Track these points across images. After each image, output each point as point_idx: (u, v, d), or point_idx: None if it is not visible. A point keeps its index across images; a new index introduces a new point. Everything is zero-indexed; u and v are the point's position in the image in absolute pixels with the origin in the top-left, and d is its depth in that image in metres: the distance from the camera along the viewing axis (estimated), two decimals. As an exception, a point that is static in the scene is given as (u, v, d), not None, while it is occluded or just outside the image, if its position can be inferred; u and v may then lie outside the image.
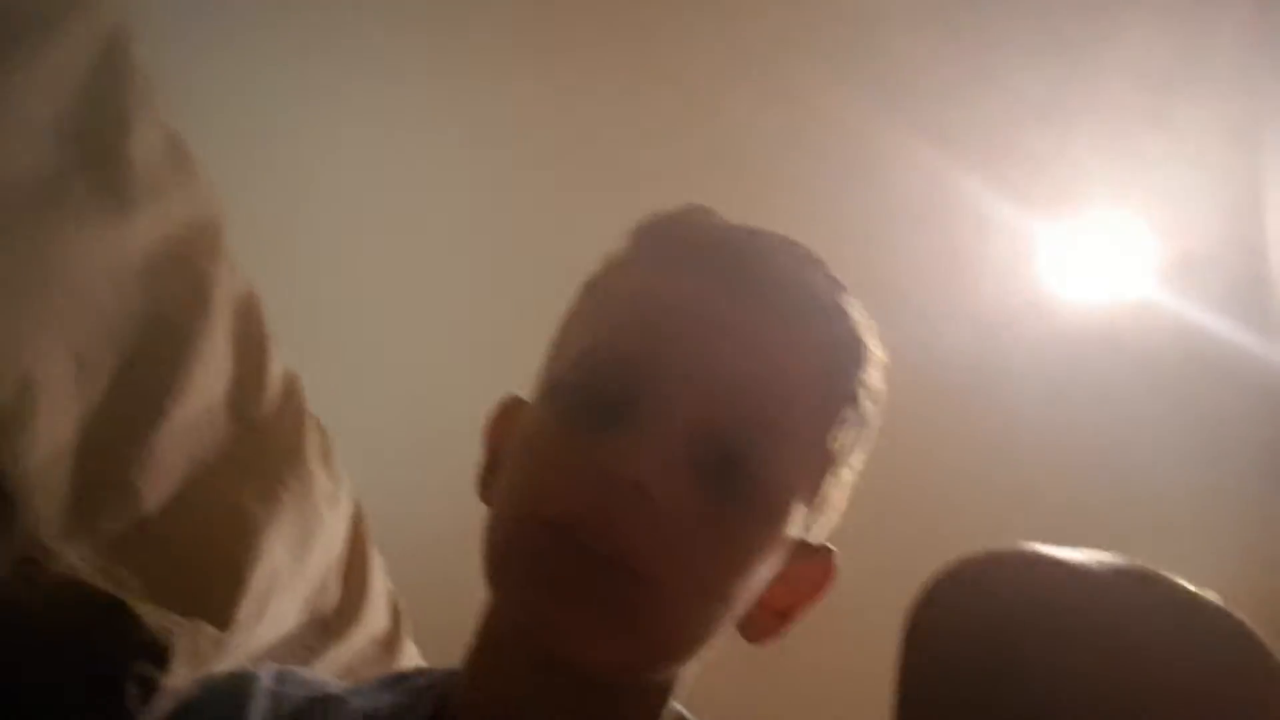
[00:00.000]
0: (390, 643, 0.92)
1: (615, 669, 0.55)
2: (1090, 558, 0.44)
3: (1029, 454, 1.57)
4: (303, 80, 1.39)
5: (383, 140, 1.45)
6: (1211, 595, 0.43)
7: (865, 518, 0.69)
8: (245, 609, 0.69)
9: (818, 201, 1.46)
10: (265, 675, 0.67)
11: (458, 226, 1.44)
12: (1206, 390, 1.59)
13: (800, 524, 0.60)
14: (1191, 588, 0.43)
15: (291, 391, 0.82)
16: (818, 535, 0.64)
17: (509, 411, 0.67)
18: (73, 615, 0.58)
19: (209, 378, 0.73)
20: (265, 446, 0.78)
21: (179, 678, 0.61)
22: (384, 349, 1.39)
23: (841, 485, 0.64)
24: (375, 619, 0.90)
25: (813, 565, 0.63)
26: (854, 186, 1.52)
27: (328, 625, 0.83)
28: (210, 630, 0.64)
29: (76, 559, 0.60)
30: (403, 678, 0.71)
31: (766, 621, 0.62)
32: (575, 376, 0.60)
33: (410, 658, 0.96)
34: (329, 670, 0.81)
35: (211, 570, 0.69)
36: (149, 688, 0.59)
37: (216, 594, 0.68)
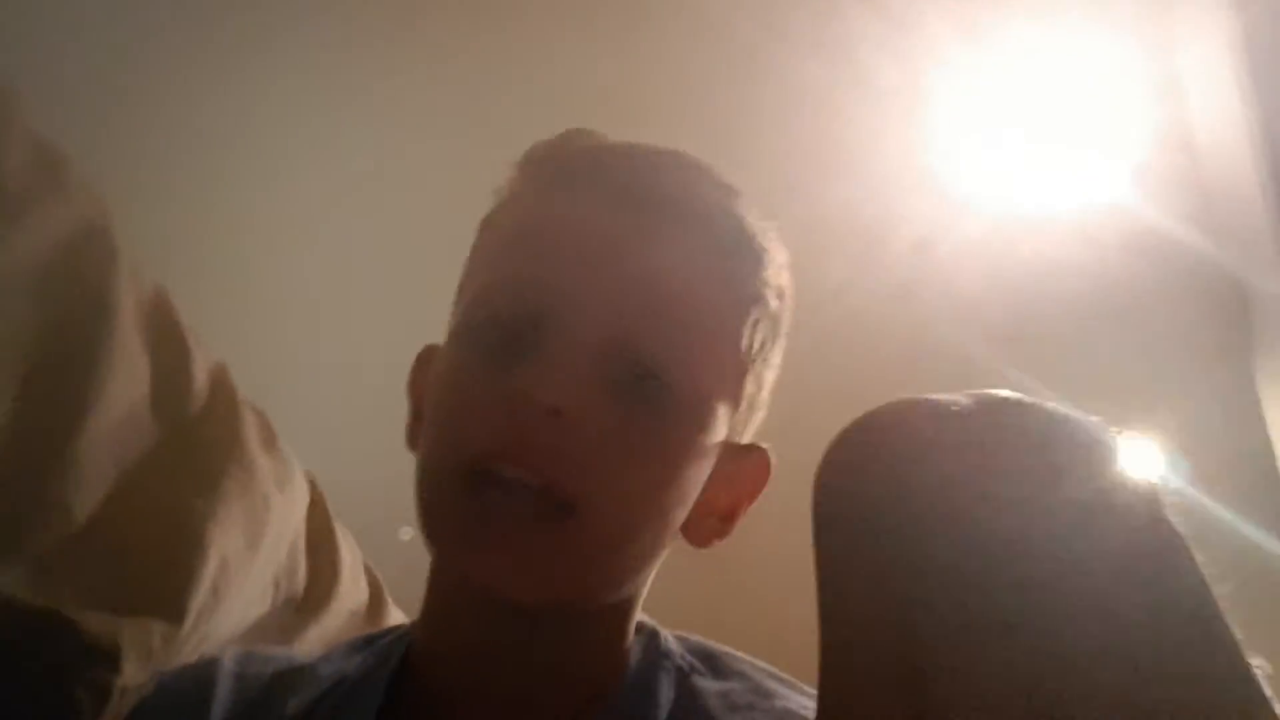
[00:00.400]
0: (373, 614, 0.93)
1: (560, 602, 0.56)
2: (967, 395, 0.45)
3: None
4: (215, 64, 1.37)
5: (300, 119, 1.43)
6: (1074, 411, 0.44)
7: (800, 408, 0.69)
8: (198, 601, 0.69)
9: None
10: (228, 659, 0.68)
11: (380, 192, 1.43)
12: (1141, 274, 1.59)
13: (726, 425, 0.61)
14: (1050, 406, 0.44)
15: (220, 382, 0.82)
16: (747, 435, 0.65)
17: (427, 361, 0.67)
18: (9, 634, 0.58)
19: (124, 382, 0.73)
20: (199, 441, 0.77)
21: (133, 677, 0.62)
22: (321, 329, 1.38)
23: (763, 384, 0.65)
24: (353, 592, 0.90)
25: (747, 464, 0.64)
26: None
27: (301, 604, 0.83)
28: (160, 626, 0.65)
29: (7, 582, 0.60)
30: (371, 639, 0.72)
31: (709, 524, 0.63)
32: (479, 314, 0.60)
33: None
34: (313, 648, 0.81)
35: (156, 570, 0.69)
36: (101, 691, 0.60)
37: (164, 591, 0.68)
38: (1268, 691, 0.39)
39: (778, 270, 0.64)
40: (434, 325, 0.72)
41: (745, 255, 0.62)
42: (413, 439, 0.64)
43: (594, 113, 0.68)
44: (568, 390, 0.54)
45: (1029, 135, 1.59)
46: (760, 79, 1.54)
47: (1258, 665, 0.40)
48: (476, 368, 0.58)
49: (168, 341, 0.79)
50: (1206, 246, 1.56)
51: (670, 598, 0.68)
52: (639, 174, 0.61)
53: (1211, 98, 1.48)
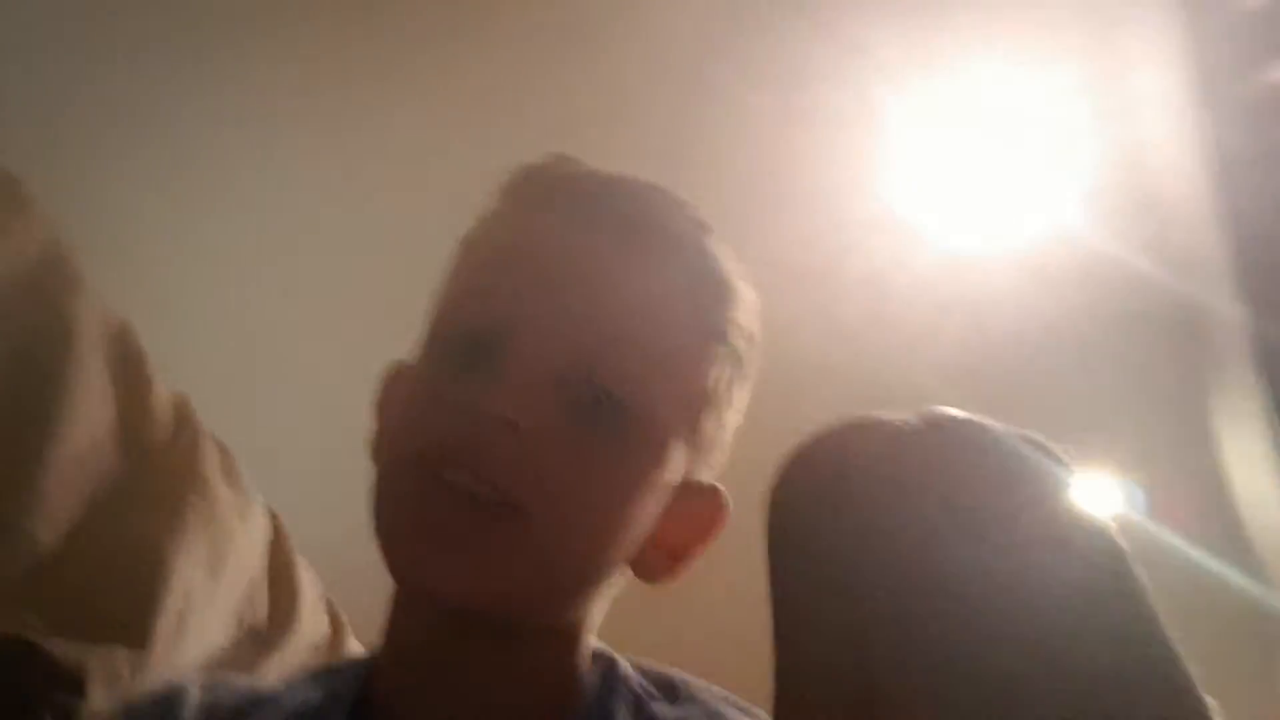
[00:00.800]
0: (334, 646, 0.93)
1: (502, 609, 0.55)
2: (916, 414, 0.46)
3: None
4: (176, 88, 1.37)
5: (264, 147, 1.43)
6: (1021, 431, 0.45)
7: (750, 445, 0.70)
8: (162, 629, 0.69)
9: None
10: (194, 686, 0.67)
11: (342, 224, 1.43)
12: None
13: (682, 462, 0.61)
14: (997, 426, 0.45)
15: (182, 414, 0.82)
16: (704, 475, 0.65)
17: (393, 377, 0.68)
18: (-26, 662, 0.58)
19: (89, 412, 0.73)
20: (161, 472, 0.78)
21: (99, 703, 0.61)
22: (283, 363, 1.38)
23: (724, 425, 0.64)
24: (313, 624, 0.90)
25: (701, 504, 0.63)
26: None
27: (261, 636, 0.83)
28: (125, 652, 0.65)
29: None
30: (333, 668, 0.71)
31: (660, 562, 0.62)
32: (446, 326, 0.60)
33: (359, 657, 0.97)
34: (274, 678, 0.81)
35: (121, 598, 0.69)
36: (67, 717, 0.59)
37: (130, 620, 0.68)
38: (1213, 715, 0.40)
39: (747, 312, 0.64)
40: (398, 356, 0.73)
41: (715, 292, 0.62)
42: (375, 452, 0.64)
43: (538, 141, 0.69)
44: (525, 405, 0.54)
45: (981, 164, 1.61)
46: (707, 107, 1.55)
47: (1210, 705, 0.40)
48: (438, 377, 0.58)
49: (130, 372, 0.79)
50: (1160, 274, 1.59)
51: (629, 624, 0.68)
52: (618, 201, 0.61)
53: (1163, 122, 1.52)
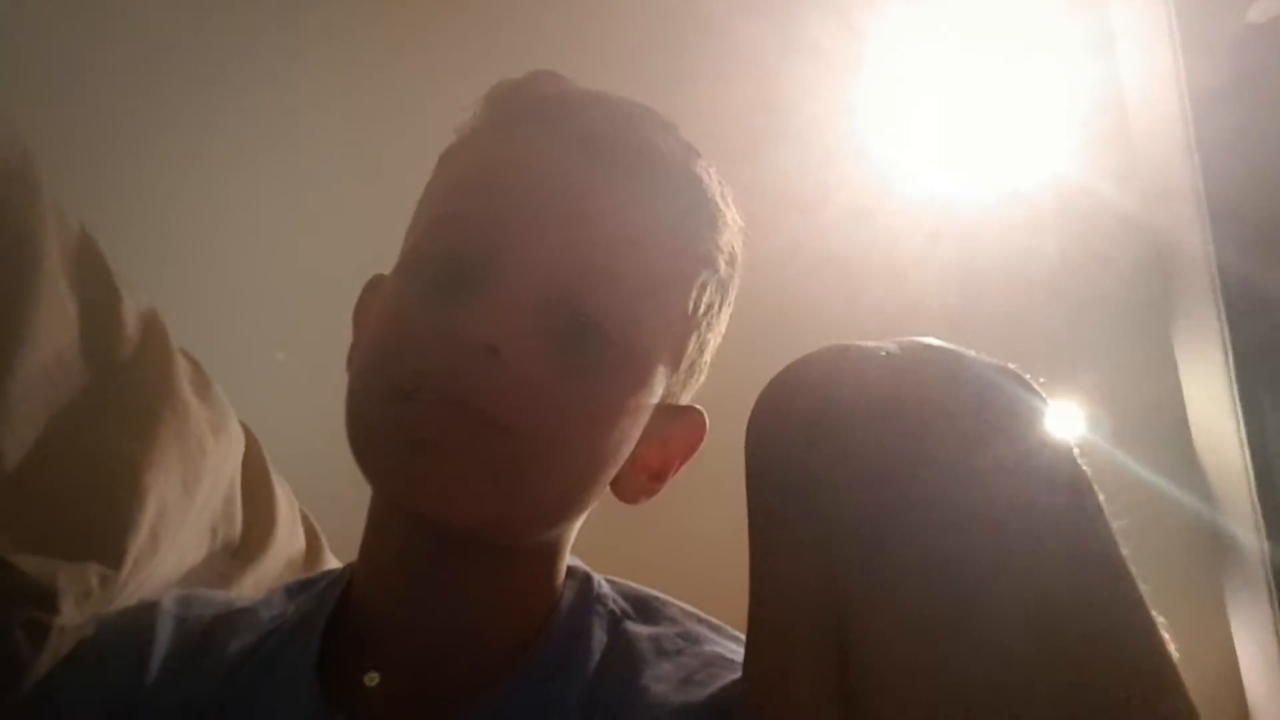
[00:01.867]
0: (311, 562, 0.93)
1: (486, 526, 0.55)
2: (894, 342, 0.46)
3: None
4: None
5: (239, 55, 1.39)
6: (996, 360, 0.45)
7: (734, 375, 0.70)
8: (136, 545, 0.68)
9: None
10: (168, 601, 0.67)
11: (315, 130, 1.40)
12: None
13: (664, 384, 0.61)
14: (972, 354, 0.45)
15: (151, 327, 0.80)
16: (685, 397, 0.65)
17: (373, 289, 0.67)
18: (-58, 576, 0.57)
19: (52, 324, 0.71)
20: (131, 385, 0.76)
21: (71, 617, 0.61)
22: (256, 276, 1.36)
23: (705, 348, 0.65)
24: (289, 540, 0.90)
25: (681, 425, 0.64)
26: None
27: (238, 551, 0.83)
28: (98, 569, 0.64)
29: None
30: (309, 582, 0.72)
31: (640, 481, 0.64)
32: (428, 245, 0.60)
33: (335, 572, 0.97)
34: (251, 593, 0.81)
35: (94, 514, 0.68)
36: (39, 631, 0.59)
37: (102, 536, 0.67)
38: (1170, 650, 0.41)
39: (732, 235, 0.64)
40: (371, 271, 0.72)
41: (701, 216, 0.62)
42: (351, 363, 0.64)
43: (527, 67, 0.67)
44: (507, 330, 0.54)
45: (966, 96, 1.61)
46: (698, 38, 1.54)
47: (1160, 622, 0.41)
48: (418, 300, 0.57)
49: (96, 284, 0.77)
50: (1131, 207, 1.60)
51: (607, 549, 0.69)
52: (603, 122, 0.60)
53: (1141, 56, 1.52)
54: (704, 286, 0.62)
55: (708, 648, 0.62)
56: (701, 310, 0.62)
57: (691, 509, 1.02)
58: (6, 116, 0.72)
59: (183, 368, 0.81)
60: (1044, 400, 0.45)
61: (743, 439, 0.48)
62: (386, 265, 0.67)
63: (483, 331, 0.53)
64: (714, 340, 0.66)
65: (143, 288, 0.82)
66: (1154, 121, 1.54)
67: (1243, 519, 1.61)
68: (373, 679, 0.58)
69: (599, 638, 0.61)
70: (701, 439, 0.65)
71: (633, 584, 0.68)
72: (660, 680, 0.59)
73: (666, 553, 1.11)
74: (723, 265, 0.63)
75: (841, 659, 0.43)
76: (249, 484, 0.86)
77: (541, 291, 0.55)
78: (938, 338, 0.47)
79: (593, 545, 0.67)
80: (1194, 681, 0.41)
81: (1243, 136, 1.44)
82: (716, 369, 0.67)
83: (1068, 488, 0.43)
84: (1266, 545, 1.56)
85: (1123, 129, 1.61)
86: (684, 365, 0.63)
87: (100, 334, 0.75)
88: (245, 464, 0.86)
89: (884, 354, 0.46)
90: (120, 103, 1.32)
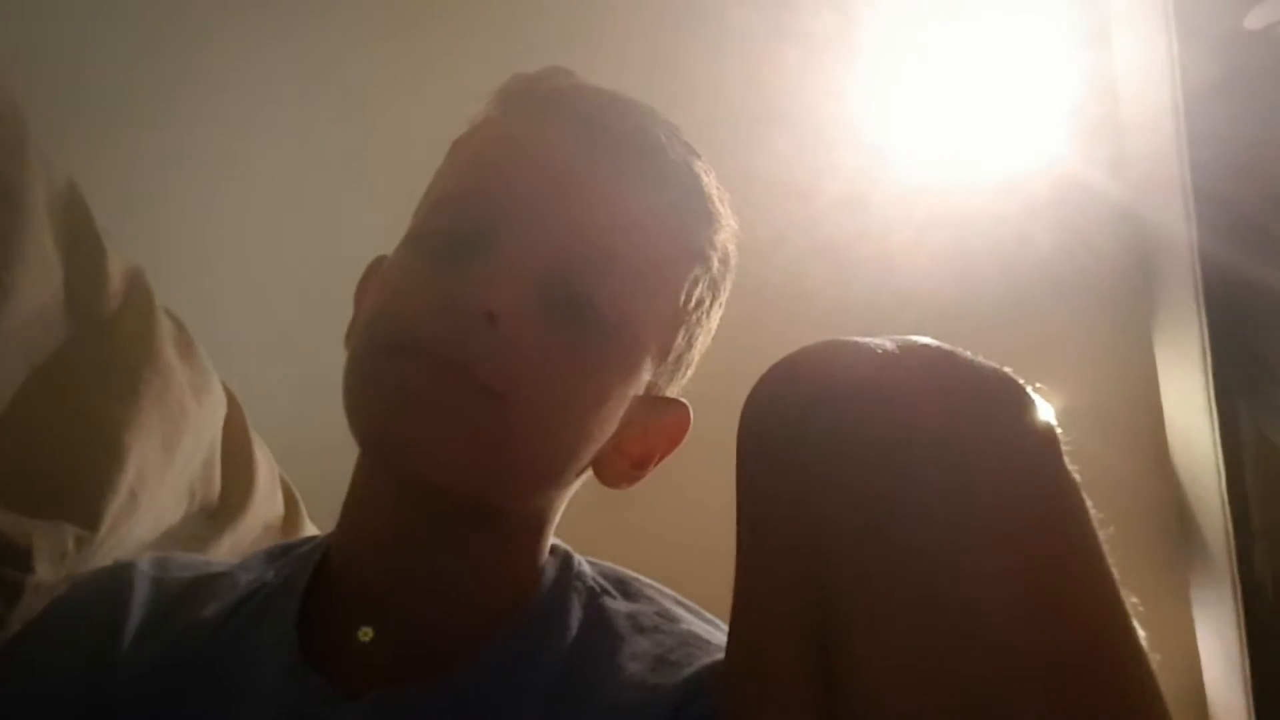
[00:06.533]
0: (289, 527, 0.92)
1: (468, 488, 0.56)
2: (891, 339, 0.46)
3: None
4: None
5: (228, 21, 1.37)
6: (990, 363, 0.45)
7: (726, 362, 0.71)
8: (114, 506, 0.68)
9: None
10: (144, 563, 0.67)
11: (303, 95, 1.39)
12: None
13: (651, 371, 0.63)
14: (968, 356, 0.46)
15: (135, 285, 0.79)
16: (671, 389, 0.66)
17: (375, 269, 0.67)
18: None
19: (35, 277, 0.70)
20: (113, 344, 0.75)
21: (46, 576, 0.61)
22: (244, 237, 1.34)
23: (694, 342, 0.66)
24: (268, 504, 0.89)
25: (666, 416, 0.65)
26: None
27: (216, 514, 0.82)
28: (74, 529, 0.63)
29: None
30: (289, 547, 0.72)
31: (623, 468, 0.65)
32: (433, 221, 0.62)
33: (313, 538, 0.96)
34: (227, 557, 0.80)
35: (72, 473, 0.67)
36: (13, 588, 0.59)
37: (81, 496, 0.67)
38: (1139, 630, 0.42)
39: (726, 236, 0.66)
40: (358, 237, 0.71)
41: (698, 213, 0.64)
42: (350, 339, 0.64)
43: (526, 55, 0.68)
44: (506, 298, 0.55)
45: (959, 86, 1.60)
46: (693, 23, 1.53)
47: (1132, 603, 0.43)
48: (420, 269, 0.58)
49: (81, 239, 0.76)
50: (1121, 198, 1.61)
51: (594, 539, 0.69)
52: (609, 115, 0.62)
53: (1138, 46, 1.52)
54: (696, 281, 0.64)
55: (684, 626, 0.62)
56: (692, 304, 0.64)
57: (682, 497, 1.03)
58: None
59: (166, 327, 0.80)
60: (1036, 403, 0.45)
61: (733, 426, 0.48)
62: (377, 232, 0.67)
63: (482, 298, 0.55)
64: (702, 337, 0.67)
65: (128, 246, 0.81)
66: (1146, 114, 1.54)
67: (1212, 516, 1.63)
68: (366, 634, 0.58)
69: (577, 613, 0.62)
70: (685, 433, 0.66)
71: (611, 564, 0.69)
72: (636, 658, 0.59)
73: (654, 543, 1.12)
74: (715, 263, 0.65)
75: (824, 645, 0.43)
76: (229, 447, 0.85)
77: (541, 266, 0.57)
78: (930, 330, 0.48)
79: (580, 535, 0.68)
80: (1156, 672, 0.42)
81: (1232, 135, 1.44)
82: (708, 357, 0.68)
83: (1054, 488, 0.44)
84: (1234, 544, 1.59)
85: (1115, 120, 1.61)
86: (671, 356, 0.64)
87: (84, 290, 0.74)
88: (226, 427, 0.86)
89: (880, 350, 0.46)
90: (109, 55, 1.30)
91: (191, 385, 0.80)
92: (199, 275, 1.12)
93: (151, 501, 0.72)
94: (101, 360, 0.73)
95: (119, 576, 0.65)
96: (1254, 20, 1.36)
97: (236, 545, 0.83)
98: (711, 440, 0.63)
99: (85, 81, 1.28)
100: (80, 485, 0.67)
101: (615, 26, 1.52)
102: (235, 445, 0.87)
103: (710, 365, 0.68)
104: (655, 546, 1.04)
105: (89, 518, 0.65)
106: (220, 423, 0.85)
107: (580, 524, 0.66)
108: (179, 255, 1.05)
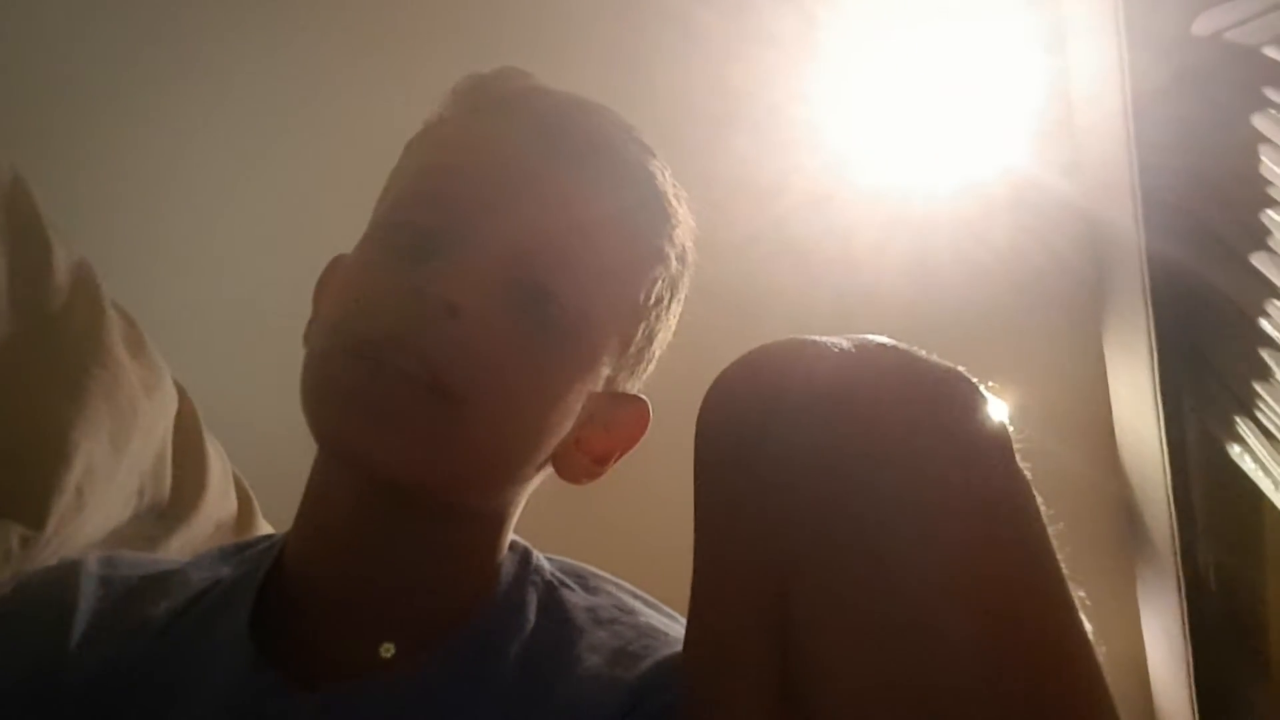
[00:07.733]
0: (242, 525, 0.91)
1: (428, 486, 0.56)
2: (847, 338, 0.47)
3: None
4: None
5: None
6: (943, 361, 0.46)
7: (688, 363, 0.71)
8: (61, 505, 0.66)
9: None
10: (92, 562, 0.66)
11: (256, 87, 1.37)
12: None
13: (611, 366, 0.63)
14: (922, 355, 0.46)
15: (82, 279, 0.78)
16: (631, 385, 0.67)
17: (334, 269, 0.67)
18: None
19: (-23, 271, 0.69)
20: (60, 339, 0.74)
21: (-11, 577, 0.59)
22: (198, 234, 1.32)
23: (653, 338, 0.66)
24: (221, 503, 0.88)
25: (625, 412, 0.65)
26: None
27: (166, 512, 0.81)
28: (18, 528, 0.62)
29: None
30: (243, 546, 0.71)
31: (583, 463, 0.65)
32: (393, 215, 0.61)
33: (267, 537, 0.95)
34: (179, 556, 0.79)
35: (17, 471, 0.66)
36: (-44, 590, 0.57)
37: (26, 494, 0.65)
38: (1087, 624, 0.43)
39: (683, 234, 0.66)
40: (317, 234, 0.70)
41: (655, 212, 0.64)
42: (309, 338, 0.63)
43: (487, 55, 0.68)
44: (468, 291, 0.55)
45: (920, 90, 1.62)
46: (656, 25, 1.53)
47: (1080, 596, 0.44)
48: (382, 264, 0.58)
49: (26, 231, 0.75)
50: (1074, 200, 1.63)
51: (554, 537, 0.69)
52: (564, 115, 0.62)
53: (1090, 51, 1.54)
54: (655, 279, 0.64)
55: (643, 619, 0.63)
56: (652, 301, 0.64)
57: (643, 495, 1.03)
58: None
59: (115, 323, 0.79)
60: (989, 402, 0.46)
61: (693, 423, 0.48)
62: (336, 229, 0.66)
63: (445, 289, 0.55)
64: (662, 333, 0.67)
65: (80, 240, 0.80)
66: (1098, 118, 1.57)
67: (1158, 512, 1.67)
68: (388, 650, 0.58)
69: (534, 606, 0.62)
70: (644, 429, 0.67)
71: (570, 560, 0.69)
72: (595, 650, 0.59)
73: (614, 539, 1.12)
74: (674, 261, 0.66)
75: (783, 644, 0.44)
76: (181, 445, 0.84)
77: (502, 260, 0.57)
78: (890, 329, 0.49)
79: (541, 531, 0.67)
80: (1103, 664, 0.43)
81: (1180, 139, 1.47)
82: (670, 356, 0.68)
83: (1005, 488, 0.44)
84: (1178, 539, 1.62)
85: (1068, 124, 1.64)
86: (631, 351, 0.65)
87: (29, 284, 0.73)
88: (178, 425, 0.84)
89: (837, 349, 0.46)
90: (61, 48, 1.27)
91: (142, 382, 0.79)
92: (152, 271, 1.10)
93: (100, 500, 0.71)
94: (47, 356, 0.72)
95: (64, 576, 0.64)
96: (1201, 26, 1.39)
97: (188, 544, 0.82)
98: (675, 438, 0.64)
99: (37, 74, 1.25)
100: (26, 483, 0.65)
101: (581, 29, 1.52)
102: (187, 443, 0.85)
103: (672, 364, 0.68)
104: (615, 543, 1.04)
105: (35, 516, 0.64)
106: (171, 420, 0.84)
107: (541, 521, 0.66)
108: (131, 250, 1.03)
